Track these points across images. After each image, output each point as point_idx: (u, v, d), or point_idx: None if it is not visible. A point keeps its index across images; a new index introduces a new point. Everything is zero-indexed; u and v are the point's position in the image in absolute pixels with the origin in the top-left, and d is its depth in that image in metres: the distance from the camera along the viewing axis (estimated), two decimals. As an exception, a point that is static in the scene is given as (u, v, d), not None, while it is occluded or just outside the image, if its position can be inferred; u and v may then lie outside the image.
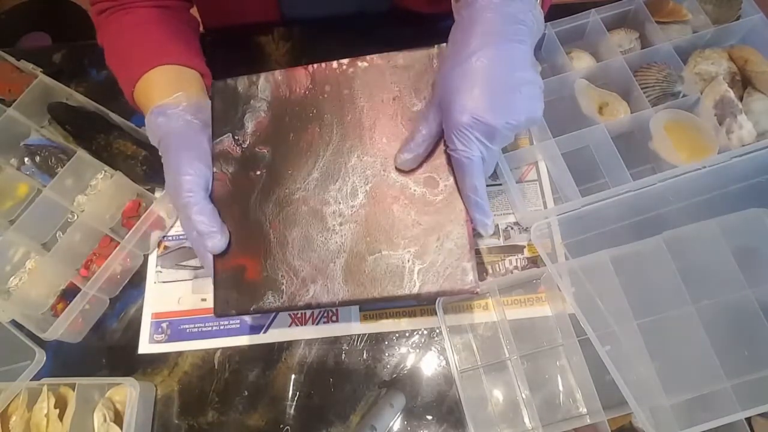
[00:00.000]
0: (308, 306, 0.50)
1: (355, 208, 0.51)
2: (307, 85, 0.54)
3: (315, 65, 0.55)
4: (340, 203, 0.51)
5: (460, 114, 0.44)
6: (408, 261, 0.49)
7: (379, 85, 0.53)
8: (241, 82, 0.56)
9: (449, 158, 0.48)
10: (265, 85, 0.55)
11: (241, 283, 0.51)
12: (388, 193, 0.50)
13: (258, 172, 0.53)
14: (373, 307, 0.62)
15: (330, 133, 0.53)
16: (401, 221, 0.50)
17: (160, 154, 0.54)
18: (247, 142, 0.54)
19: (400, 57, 0.53)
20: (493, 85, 0.44)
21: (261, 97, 0.55)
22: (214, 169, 0.54)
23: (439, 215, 0.49)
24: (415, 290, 0.48)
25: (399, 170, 0.51)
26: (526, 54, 0.45)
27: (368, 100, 0.53)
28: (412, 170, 0.51)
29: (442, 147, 0.50)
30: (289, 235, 0.51)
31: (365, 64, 0.54)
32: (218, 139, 0.55)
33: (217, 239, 0.50)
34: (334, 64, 0.54)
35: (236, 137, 0.54)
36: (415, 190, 0.50)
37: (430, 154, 0.50)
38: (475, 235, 0.58)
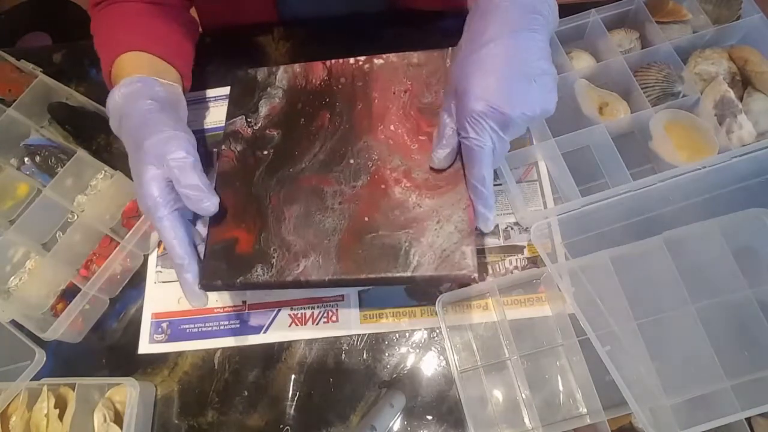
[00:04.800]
0: (297, 282, 0.49)
1: (357, 188, 0.51)
2: (323, 77, 0.57)
3: (333, 60, 0.57)
4: (342, 184, 0.51)
5: (476, 102, 0.43)
6: (405, 242, 0.48)
7: (393, 79, 0.55)
8: (261, 72, 0.59)
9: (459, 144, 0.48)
10: (283, 75, 0.58)
11: (231, 255, 0.50)
12: (392, 176, 0.51)
13: (265, 152, 0.54)
14: (368, 293, 0.61)
15: (340, 119, 0.54)
16: (402, 203, 0.50)
17: (127, 113, 0.52)
18: (259, 124, 0.56)
19: (415, 56, 0.55)
20: (510, 74, 0.43)
21: (278, 85, 0.57)
22: (222, 147, 0.55)
23: (441, 199, 0.49)
24: (410, 272, 0.47)
25: (404, 153, 0.52)
26: (542, 44, 0.45)
27: (381, 91, 0.55)
28: (418, 155, 0.51)
29: None
30: (287, 210, 0.51)
31: (381, 61, 0.56)
32: (231, 120, 0.57)
33: (210, 200, 0.49)
34: (351, 60, 0.57)
35: (249, 119, 0.56)
36: (418, 175, 0.50)
37: None
38: (476, 234, 0.58)
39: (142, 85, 0.54)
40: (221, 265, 0.50)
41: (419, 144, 0.52)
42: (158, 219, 0.48)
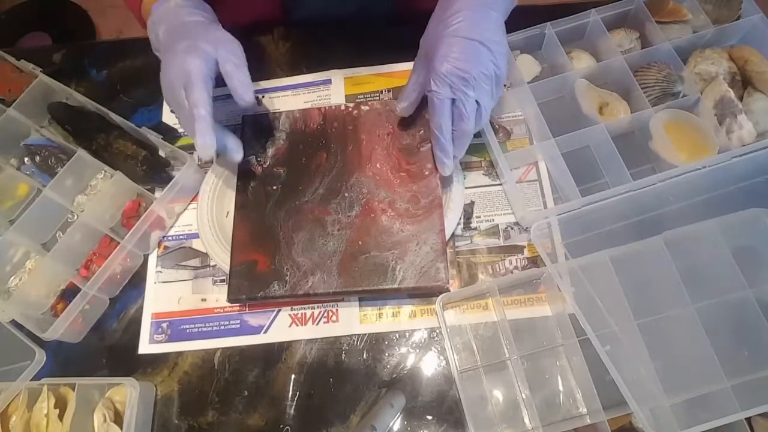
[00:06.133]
0: (307, 294, 0.58)
1: (351, 217, 0.61)
2: (319, 121, 0.66)
3: (326, 107, 0.66)
4: (339, 213, 0.61)
5: (440, 62, 0.52)
6: (392, 260, 0.58)
7: (377, 124, 0.65)
8: (267, 117, 0.68)
9: (430, 177, 0.60)
10: (285, 120, 0.67)
11: (252, 274, 0.60)
12: (379, 207, 0.61)
13: (274, 187, 0.63)
14: (365, 299, 0.63)
15: (335, 158, 0.64)
16: (388, 229, 0.60)
17: (173, 24, 0.57)
18: (267, 163, 0.65)
19: (395, 103, 0.63)
20: (469, 40, 0.52)
21: (281, 128, 0.67)
22: (238, 182, 0.64)
23: (419, 225, 0.59)
24: (396, 285, 0.57)
25: (388, 186, 0.61)
26: (498, 20, 0.54)
27: (367, 134, 0.64)
28: (400, 188, 0.61)
29: (424, 171, 0.61)
30: (296, 237, 0.60)
31: (367, 108, 0.65)
32: (244, 160, 0.63)
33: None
34: (342, 107, 0.66)
35: (259, 159, 0.65)
36: (400, 205, 0.60)
37: (414, 179, 0.61)
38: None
39: (184, 1, 0.58)
40: (244, 282, 0.59)
41: (400, 179, 0.62)
42: (191, 79, 0.52)
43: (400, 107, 0.59)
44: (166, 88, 0.55)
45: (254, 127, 0.67)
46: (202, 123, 0.51)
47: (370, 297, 0.62)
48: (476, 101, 0.54)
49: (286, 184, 0.63)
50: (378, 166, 0.63)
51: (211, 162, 0.67)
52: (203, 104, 0.51)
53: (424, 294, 0.62)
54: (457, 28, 0.52)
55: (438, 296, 0.60)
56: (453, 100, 0.54)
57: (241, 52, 0.56)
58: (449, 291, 0.60)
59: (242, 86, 0.55)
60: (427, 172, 0.61)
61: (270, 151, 0.65)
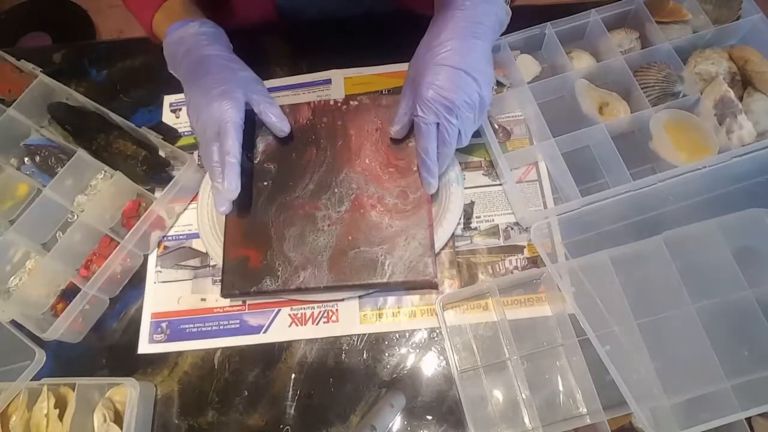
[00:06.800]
0: (298, 289, 0.59)
1: (341, 213, 0.61)
2: (308, 116, 0.65)
3: (316, 101, 0.66)
4: (329, 209, 0.61)
5: (426, 89, 0.54)
6: (381, 255, 0.59)
7: (366, 119, 0.64)
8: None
9: (418, 174, 0.60)
10: None
11: (244, 270, 0.60)
12: (368, 202, 0.61)
13: (265, 183, 0.63)
14: (365, 297, 0.63)
15: (324, 154, 0.64)
16: (377, 224, 0.60)
17: (196, 59, 0.59)
18: (258, 159, 0.64)
19: (384, 99, 0.65)
20: (454, 69, 0.53)
21: None
22: None
23: (408, 221, 0.60)
24: (386, 279, 0.58)
25: (377, 182, 0.61)
26: (484, 49, 0.55)
27: (357, 129, 0.64)
28: (388, 184, 0.61)
29: (413, 166, 0.61)
30: (287, 232, 0.61)
31: (356, 103, 0.65)
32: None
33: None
34: (331, 101, 0.66)
35: (249, 155, 0.64)
36: (389, 201, 0.61)
37: (403, 174, 0.61)
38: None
39: (203, 29, 0.61)
40: (237, 278, 0.60)
41: (389, 175, 0.62)
42: (227, 128, 0.55)
43: (394, 130, 0.60)
44: (196, 125, 0.58)
45: (245, 121, 0.65)
46: (230, 169, 0.55)
47: (359, 290, 0.62)
48: (458, 129, 0.55)
49: (277, 179, 0.63)
50: (367, 161, 0.63)
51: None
52: (234, 153, 0.55)
53: (413, 288, 0.63)
54: (444, 57, 0.53)
55: (428, 290, 0.60)
56: (437, 124, 0.55)
57: (265, 89, 0.61)
58: (437, 285, 0.60)
59: (279, 120, 0.60)
60: (415, 168, 0.61)
61: (260, 147, 0.64)
